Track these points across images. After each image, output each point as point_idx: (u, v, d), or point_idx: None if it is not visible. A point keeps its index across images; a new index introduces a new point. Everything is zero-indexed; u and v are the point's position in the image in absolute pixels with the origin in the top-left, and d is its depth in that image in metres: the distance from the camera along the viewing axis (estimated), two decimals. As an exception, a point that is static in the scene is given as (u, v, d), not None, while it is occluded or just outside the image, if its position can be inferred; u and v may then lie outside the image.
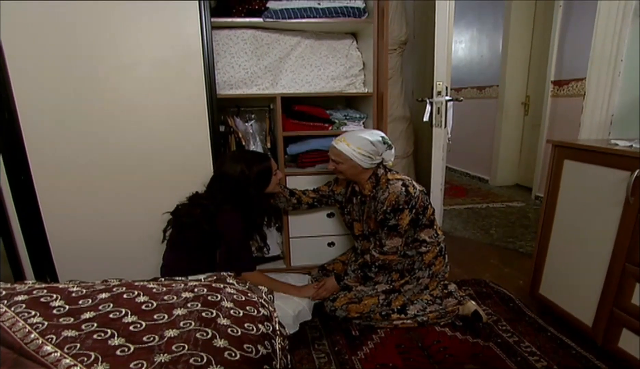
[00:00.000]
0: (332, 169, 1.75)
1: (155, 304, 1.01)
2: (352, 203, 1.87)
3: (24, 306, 0.99)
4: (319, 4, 1.92)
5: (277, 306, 1.59)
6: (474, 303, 1.81)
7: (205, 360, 0.80)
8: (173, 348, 0.83)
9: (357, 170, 1.70)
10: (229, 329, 0.93)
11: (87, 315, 0.96)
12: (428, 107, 2.22)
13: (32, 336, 0.87)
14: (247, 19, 1.92)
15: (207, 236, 1.63)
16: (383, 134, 1.72)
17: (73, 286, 1.11)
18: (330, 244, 2.20)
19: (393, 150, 1.75)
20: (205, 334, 0.89)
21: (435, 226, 1.80)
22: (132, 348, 0.83)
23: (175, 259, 1.68)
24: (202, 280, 1.20)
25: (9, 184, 1.70)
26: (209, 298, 1.06)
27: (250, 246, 1.73)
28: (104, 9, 1.62)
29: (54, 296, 1.04)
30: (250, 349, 0.89)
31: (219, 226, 1.61)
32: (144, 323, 0.93)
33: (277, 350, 1.01)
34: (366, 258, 1.73)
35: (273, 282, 1.75)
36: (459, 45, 5.07)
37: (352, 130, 1.75)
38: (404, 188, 1.64)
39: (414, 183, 1.71)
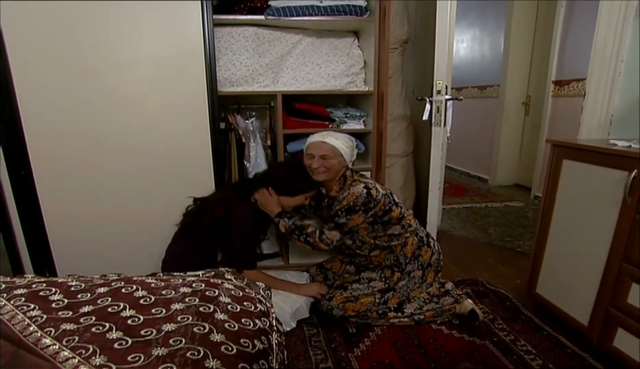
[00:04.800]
0: (316, 167, 1.69)
1: (153, 298, 1.02)
2: (322, 207, 1.90)
3: (23, 299, 1.00)
4: (321, 2, 1.92)
5: (275, 303, 1.60)
6: (470, 301, 1.82)
7: (202, 354, 0.81)
8: (170, 341, 0.84)
9: (341, 165, 1.73)
10: (226, 324, 0.94)
11: (85, 309, 0.97)
12: (427, 106, 2.22)
13: (31, 329, 0.88)
14: (249, 17, 1.92)
15: (217, 226, 1.66)
16: None
17: (72, 281, 1.12)
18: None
19: (357, 149, 1.84)
20: (202, 328, 0.90)
21: (404, 222, 1.77)
22: (129, 342, 0.84)
23: (179, 252, 1.71)
24: (200, 276, 1.21)
25: (9, 179, 1.71)
26: (207, 293, 1.07)
27: (254, 245, 1.75)
28: (106, 6, 1.62)
29: (53, 290, 1.05)
30: (246, 344, 0.90)
31: (232, 216, 1.65)
32: (142, 317, 0.93)
33: (274, 345, 1.02)
34: (308, 230, 1.73)
35: (272, 280, 1.76)
36: (460, 45, 5.06)
37: (325, 130, 1.80)
38: (365, 190, 1.64)
39: (378, 186, 1.72)
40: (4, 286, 1.07)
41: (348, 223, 1.67)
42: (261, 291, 1.23)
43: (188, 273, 1.25)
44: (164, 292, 1.06)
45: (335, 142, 1.69)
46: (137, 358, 0.79)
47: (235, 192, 1.74)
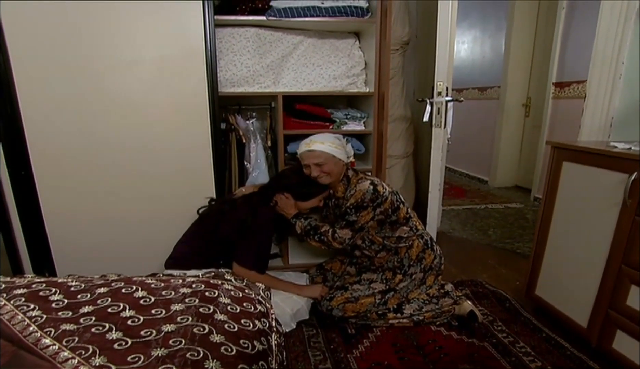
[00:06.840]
0: (316, 175, 1.72)
1: (153, 299, 1.03)
2: (329, 207, 1.91)
3: (23, 299, 1.00)
4: (323, 3, 1.92)
5: (276, 303, 1.61)
6: (470, 303, 1.82)
7: (201, 355, 0.81)
8: (170, 342, 0.84)
9: (339, 166, 1.74)
10: (225, 325, 0.94)
11: (85, 309, 0.97)
12: (428, 107, 2.22)
13: (31, 329, 0.88)
14: (251, 17, 1.93)
15: (239, 227, 1.67)
16: None
17: (72, 281, 1.12)
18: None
19: (350, 144, 1.85)
20: (202, 329, 0.90)
21: (412, 223, 1.81)
22: (129, 342, 0.84)
23: (189, 252, 1.71)
24: (200, 276, 1.21)
25: (9, 179, 1.71)
26: (207, 294, 1.07)
27: (271, 248, 1.78)
28: (108, 6, 1.62)
29: (53, 290, 1.05)
30: (246, 345, 0.90)
31: (257, 217, 1.67)
32: (141, 318, 0.94)
33: (273, 346, 1.03)
34: (322, 229, 1.75)
35: (274, 280, 1.76)
36: (461, 46, 5.06)
37: (310, 137, 1.79)
38: (371, 187, 1.68)
39: (384, 184, 1.76)
40: (4, 286, 1.07)
41: (358, 221, 1.68)
42: (261, 292, 1.23)
43: (188, 274, 1.25)
44: (163, 293, 1.06)
45: (322, 146, 1.69)
46: (137, 358, 0.79)
47: (256, 196, 1.78)
